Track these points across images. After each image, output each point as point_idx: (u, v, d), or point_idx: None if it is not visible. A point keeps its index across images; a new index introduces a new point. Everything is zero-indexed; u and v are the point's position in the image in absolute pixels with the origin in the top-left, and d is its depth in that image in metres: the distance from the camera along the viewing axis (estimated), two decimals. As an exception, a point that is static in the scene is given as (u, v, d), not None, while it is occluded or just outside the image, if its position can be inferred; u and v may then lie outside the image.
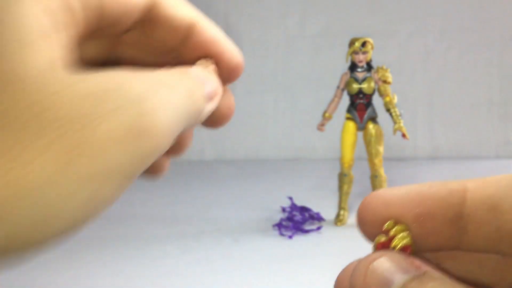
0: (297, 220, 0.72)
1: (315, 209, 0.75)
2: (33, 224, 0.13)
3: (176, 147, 0.22)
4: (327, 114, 0.74)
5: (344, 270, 0.16)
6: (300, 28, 1.22)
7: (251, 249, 0.63)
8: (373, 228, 0.16)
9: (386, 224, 0.16)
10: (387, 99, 0.71)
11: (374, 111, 0.73)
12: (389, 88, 0.71)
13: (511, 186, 0.15)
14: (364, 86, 0.72)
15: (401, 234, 0.16)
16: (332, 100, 0.74)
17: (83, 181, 0.13)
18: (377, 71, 0.72)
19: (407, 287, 0.14)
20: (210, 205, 0.84)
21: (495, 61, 1.17)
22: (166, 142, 0.16)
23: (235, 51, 0.21)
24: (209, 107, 0.20)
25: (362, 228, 0.17)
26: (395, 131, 0.70)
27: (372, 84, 0.72)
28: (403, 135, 0.69)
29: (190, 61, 0.20)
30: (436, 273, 0.15)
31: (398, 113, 0.70)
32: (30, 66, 0.14)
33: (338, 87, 0.74)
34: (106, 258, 0.63)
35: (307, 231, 0.69)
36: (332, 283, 0.17)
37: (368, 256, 0.16)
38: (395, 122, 0.70)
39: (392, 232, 0.16)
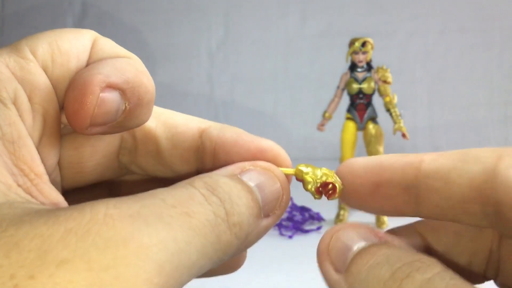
0: (297, 220, 0.72)
1: (315, 209, 0.75)
2: None
3: (226, 268, 0.20)
4: (327, 114, 0.74)
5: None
6: (300, 28, 1.21)
7: (251, 249, 0.63)
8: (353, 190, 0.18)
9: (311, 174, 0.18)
10: (387, 99, 0.71)
11: (374, 111, 0.73)
12: (389, 88, 0.71)
13: (462, 159, 0.16)
14: (364, 86, 0.72)
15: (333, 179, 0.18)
16: (332, 100, 0.74)
17: None
18: (377, 71, 0.72)
19: (363, 252, 0.15)
20: (210, 205, 0.84)
21: (495, 61, 1.17)
22: None
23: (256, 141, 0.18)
24: (265, 224, 0.17)
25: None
26: (395, 131, 0.70)
27: (372, 84, 0.72)
28: (403, 135, 0.69)
29: None
30: (397, 243, 0.16)
31: (398, 113, 0.70)
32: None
33: (338, 87, 0.74)
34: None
35: (307, 231, 0.69)
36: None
37: (335, 226, 0.17)
38: (395, 122, 0.70)
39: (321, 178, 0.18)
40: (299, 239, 0.67)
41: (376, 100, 0.72)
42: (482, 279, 0.19)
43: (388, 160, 0.17)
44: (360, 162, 0.18)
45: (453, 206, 0.16)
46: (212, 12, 1.24)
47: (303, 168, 0.18)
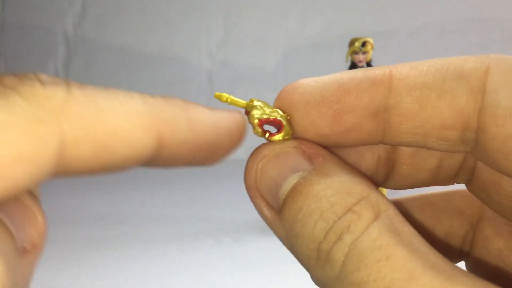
0: (297, 220, 0.72)
1: (315, 209, 0.75)
2: None
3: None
4: (327, 114, 0.74)
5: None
6: (300, 28, 1.22)
7: (251, 249, 0.63)
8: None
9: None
10: (387, 99, 0.71)
11: (374, 111, 0.73)
12: (389, 88, 0.72)
13: (441, 76, 0.13)
14: (364, 86, 0.72)
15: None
16: (332, 100, 0.74)
17: None
18: (377, 71, 0.72)
19: (295, 192, 0.13)
20: (210, 205, 0.84)
21: (495, 61, 1.17)
22: None
23: None
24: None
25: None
26: (395, 131, 0.70)
27: (372, 84, 0.72)
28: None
29: None
30: (332, 166, 0.13)
31: (398, 113, 0.70)
32: None
33: (338, 87, 0.74)
34: (106, 258, 0.63)
35: (307, 231, 0.69)
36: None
37: (258, 151, 0.15)
38: (395, 122, 0.70)
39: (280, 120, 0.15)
40: (299, 239, 0.67)
41: (376, 100, 0.73)
42: (458, 255, 0.17)
43: (351, 81, 0.14)
44: (313, 86, 0.14)
45: (427, 132, 0.14)
46: (212, 12, 1.24)
47: (255, 101, 0.15)
